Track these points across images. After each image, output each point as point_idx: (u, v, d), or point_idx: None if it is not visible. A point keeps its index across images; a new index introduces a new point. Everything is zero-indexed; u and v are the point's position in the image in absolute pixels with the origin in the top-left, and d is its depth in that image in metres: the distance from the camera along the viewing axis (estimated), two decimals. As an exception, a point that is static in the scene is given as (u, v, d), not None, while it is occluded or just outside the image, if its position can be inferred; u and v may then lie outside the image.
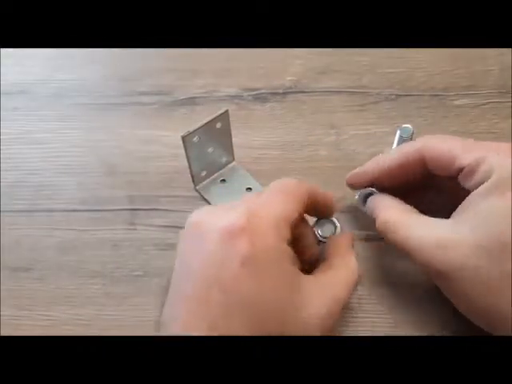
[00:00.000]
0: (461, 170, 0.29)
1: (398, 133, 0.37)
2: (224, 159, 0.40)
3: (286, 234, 0.28)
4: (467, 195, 0.29)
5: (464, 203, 0.29)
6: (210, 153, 0.38)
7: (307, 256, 0.32)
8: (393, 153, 0.33)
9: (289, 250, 0.28)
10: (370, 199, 0.35)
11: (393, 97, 0.45)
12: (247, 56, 0.47)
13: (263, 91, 0.45)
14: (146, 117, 0.44)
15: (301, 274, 0.29)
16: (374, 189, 0.36)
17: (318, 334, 0.27)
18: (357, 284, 0.31)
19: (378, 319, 0.35)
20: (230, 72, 0.46)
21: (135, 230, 0.39)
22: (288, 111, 0.44)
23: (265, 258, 0.26)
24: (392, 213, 0.31)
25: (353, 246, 0.33)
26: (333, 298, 0.29)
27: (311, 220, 0.35)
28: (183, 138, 0.34)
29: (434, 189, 0.34)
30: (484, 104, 0.44)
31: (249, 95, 0.45)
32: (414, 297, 0.35)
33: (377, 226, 0.32)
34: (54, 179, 0.41)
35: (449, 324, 0.33)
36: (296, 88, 0.45)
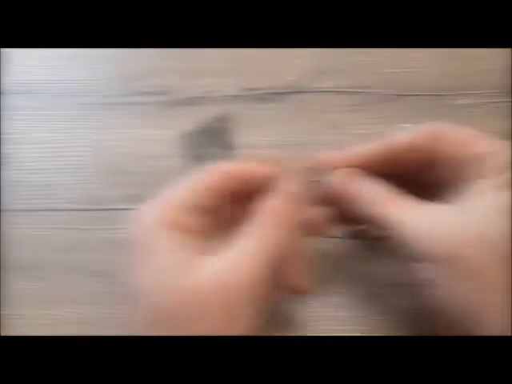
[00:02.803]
0: (471, 159, 0.29)
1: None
2: (224, 159, 0.40)
3: (169, 219, 0.28)
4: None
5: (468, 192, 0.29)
6: (210, 153, 0.38)
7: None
8: (401, 134, 0.31)
9: (170, 233, 0.28)
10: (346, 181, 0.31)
11: (393, 97, 0.45)
12: (247, 56, 0.47)
13: (263, 91, 0.45)
14: (146, 117, 0.44)
15: (191, 252, 0.27)
16: None
17: (210, 286, 0.26)
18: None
19: (378, 319, 0.35)
20: (230, 72, 0.46)
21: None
22: (288, 111, 0.44)
23: (142, 241, 0.28)
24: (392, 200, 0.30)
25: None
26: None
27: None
28: (183, 138, 0.34)
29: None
30: (484, 104, 0.44)
31: (249, 95, 0.45)
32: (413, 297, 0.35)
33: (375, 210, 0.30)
34: (54, 179, 0.42)
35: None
36: (296, 88, 0.46)
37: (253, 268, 0.27)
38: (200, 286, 0.26)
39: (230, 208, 0.32)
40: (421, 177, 0.32)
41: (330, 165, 0.32)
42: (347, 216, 0.33)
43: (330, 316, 0.36)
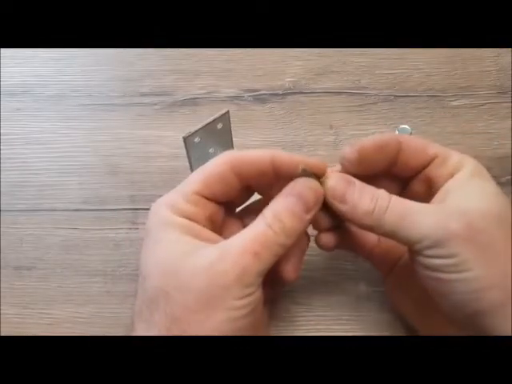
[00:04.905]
0: (433, 158, 0.31)
1: (397, 133, 0.38)
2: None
3: (180, 206, 0.29)
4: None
5: (446, 188, 0.30)
6: (211, 153, 0.38)
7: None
8: (367, 138, 0.31)
9: (180, 221, 0.29)
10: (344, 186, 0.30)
11: (391, 97, 0.45)
12: (247, 57, 0.47)
13: (263, 92, 0.46)
14: (147, 117, 0.44)
15: (195, 241, 0.28)
16: None
17: (206, 275, 0.27)
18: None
19: (377, 318, 0.36)
20: (230, 73, 0.46)
21: (137, 229, 0.39)
22: (287, 112, 0.45)
23: (153, 231, 0.29)
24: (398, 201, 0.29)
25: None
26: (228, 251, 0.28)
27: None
28: (184, 139, 0.34)
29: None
30: (481, 105, 0.45)
31: (249, 96, 0.45)
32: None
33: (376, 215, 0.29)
34: (56, 179, 0.42)
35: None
36: (295, 89, 0.46)
37: (241, 257, 0.27)
38: (193, 272, 0.27)
39: (240, 196, 0.32)
40: (385, 180, 0.33)
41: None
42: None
43: (330, 316, 0.36)
